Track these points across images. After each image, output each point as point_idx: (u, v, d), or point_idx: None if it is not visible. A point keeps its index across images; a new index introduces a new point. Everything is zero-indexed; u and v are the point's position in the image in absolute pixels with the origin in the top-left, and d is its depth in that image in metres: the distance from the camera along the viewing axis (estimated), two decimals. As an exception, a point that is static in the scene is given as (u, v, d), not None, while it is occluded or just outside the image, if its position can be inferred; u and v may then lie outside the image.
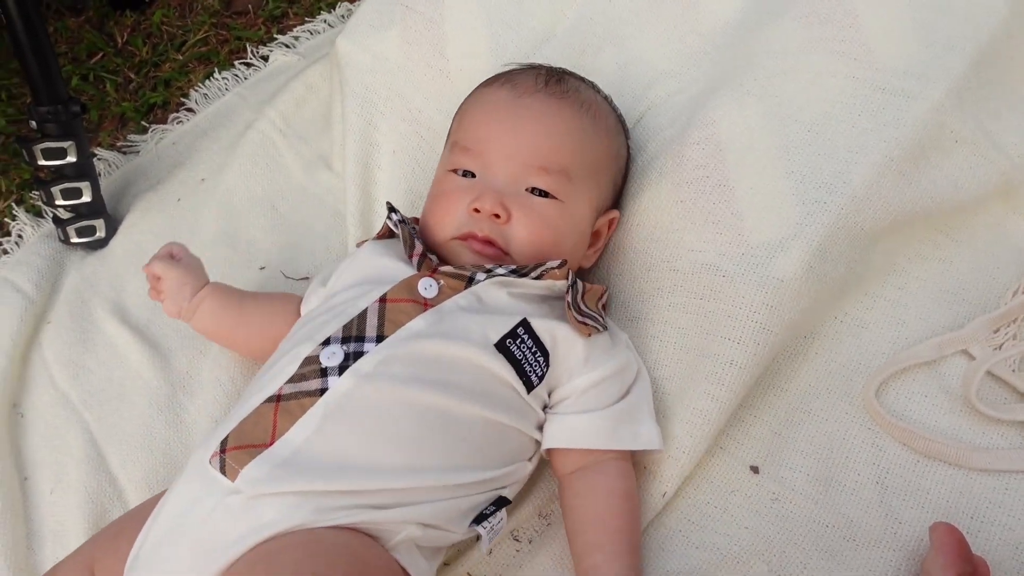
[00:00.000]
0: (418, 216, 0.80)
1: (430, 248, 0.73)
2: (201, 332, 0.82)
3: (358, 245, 0.80)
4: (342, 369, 0.63)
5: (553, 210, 0.72)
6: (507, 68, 0.83)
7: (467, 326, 0.66)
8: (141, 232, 1.00)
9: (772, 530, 0.70)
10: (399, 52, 0.92)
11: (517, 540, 0.72)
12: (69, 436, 0.83)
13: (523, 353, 0.67)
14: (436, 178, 0.79)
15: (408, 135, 0.91)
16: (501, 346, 0.66)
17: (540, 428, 0.69)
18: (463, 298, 0.68)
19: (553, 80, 0.77)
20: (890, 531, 0.69)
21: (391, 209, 0.75)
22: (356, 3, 1.20)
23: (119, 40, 1.25)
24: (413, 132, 0.91)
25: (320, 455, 0.60)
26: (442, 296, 0.68)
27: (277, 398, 0.63)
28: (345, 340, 0.65)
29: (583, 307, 0.70)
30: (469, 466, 0.64)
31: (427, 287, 0.68)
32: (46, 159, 0.94)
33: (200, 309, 0.78)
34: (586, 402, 0.69)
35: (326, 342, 0.65)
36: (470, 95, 0.81)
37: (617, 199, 0.81)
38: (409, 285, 0.68)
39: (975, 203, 0.80)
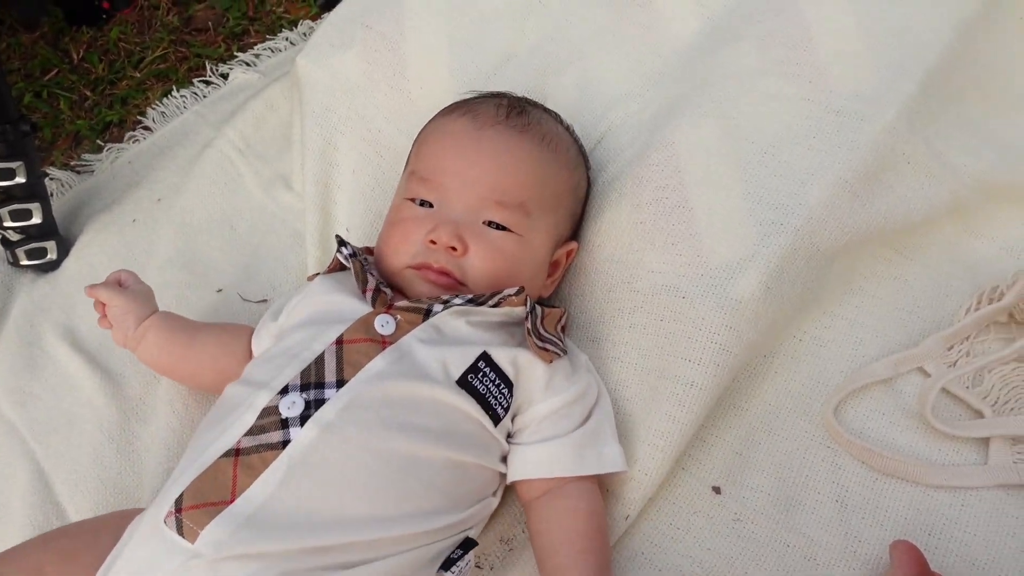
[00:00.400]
0: (371, 246, 0.78)
1: (384, 277, 0.72)
2: (147, 364, 0.80)
3: (309, 279, 0.78)
4: (304, 419, 0.60)
5: (510, 244, 0.71)
6: (469, 95, 0.82)
7: (427, 363, 0.65)
8: (94, 254, 0.97)
9: (734, 551, 0.70)
10: (359, 72, 0.91)
11: (480, 568, 0.71)
12: (15, 466, 0.81)
13: (486, 387, 0.66)
14: (393, 205, 0.77)
15: (368, 155, 0.90)
16: (463, 382, 0.65)
17: (504, 459, 0.68)
18: (422, 332, 0.67)
19: (514, 112, 0.76)
20: (850, 550, 0.69)
21: (341, 243, 0.74)
22: (318, 21, 1.19)
23: (75, 57, 1.23)
24: (373, 152, 0.90)
25: (285, 512, 0.58)
26: (400, 332, 0.66)
27: (236, 452, 0.60)
28: (304, 387, 0.62)
29: (543, 332, 0.69)
30: (438, 511, 0.62)
31: (384, 324, 0.66)
32: (-6, 180, 0.91)
33: (145, 339, 0.76)
34: (548, 429, 0.68)
35: (284, 390, 0.62)
36: (430, 123, 0.80)
37: (576, 230, 0.81)
38: (365, 323, 0.66)
39: (927, 223, 0.82)
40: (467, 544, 0.65)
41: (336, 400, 0.61)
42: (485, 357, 0.66)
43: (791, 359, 0.78)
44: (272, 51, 1.18)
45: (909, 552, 0.63)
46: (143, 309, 0.77)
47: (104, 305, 0.76)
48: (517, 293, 0.69)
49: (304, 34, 1.19)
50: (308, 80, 0.93)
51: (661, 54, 0.90)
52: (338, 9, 0.96)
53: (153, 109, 1.13)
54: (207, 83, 1.15)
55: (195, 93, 1.14)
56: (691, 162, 0.76)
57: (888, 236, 0.80)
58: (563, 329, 0.74)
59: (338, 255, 0.74)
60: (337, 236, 0.75)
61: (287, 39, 1.19)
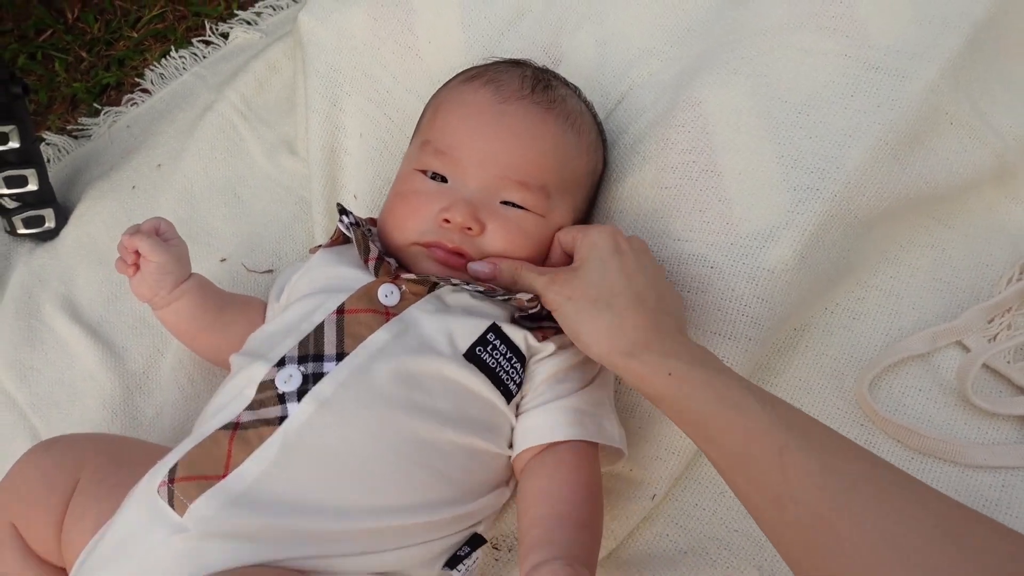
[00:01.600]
0: (374, 217, 0.74)
1: (388, 251, 0.68)
2: (167, 325, 0.74)
3: (312, 251, 0.74)
4: (301, 394, 0.57)
5: (531, 223, 0.66)
6: (490, 62, 0.76)
7: (433, 336, 0.61)
8: (93, 222, 0.93)
9: (762, 533, 0.67)
10: (365, 29, 0.86)
11: (497, 548, 0.69)
12: (15, 442, 0.78)
13: (496, 360, 0.61)
14: (400, 175, 0.71)
15: (376, 117, 0.86)
16: (471, 355, 0.60)
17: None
18: (427, 303, 0.63)
19: (540, 86, 0.71)
20: (884, 532, 0.66)
21: (342, 211, 0.69)
22: (322, -23, 1.13)
23: (69, 16, 1.18)
24: (381, 114, 0.85)
25: (277, 492, 0.54)
26: (404, 303, 0.62)
27: (235, 425, 0.57)
28: (302, 360, 0.59)
29: (544, 324, 0.64)
30: (444, 502, 0.58)
31: (388, 294, 0.62)
32: (-14, 145, 0.88)
33: (177, 303, 0.71)
34: (547, 392, 0.63)
35: (281, 363, 0.59)
36: (447, 89, 0.74)
37: (590, 212, 0.76)
38: (368, 293, 0.62)
39: (969, 188, 0.77)
40: (475, 541, 0.61)
41: (335, 374, 0.57)
42: (495, 329, 0.62)
43: (823, 332, 0.74)
44: (274, 9, 1.12)
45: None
46: (182, 269, 0.71)
47: (138, 255, 0.69)
48: (530, 300, 0.63)
49: (307, -9, 1.13)
50: (311, 38, 0.88)
51: (685, 8, 0.84)
52: (343, -38, 0.91)
53: (151, 71, 1.09)
54: (207, 43, 1.10)
55: (194, 54, 1.09)
56: (720, 123, 0.71)
57: (927, 202, 0.76)
58: None
59: (339, 224, 0.69)
60: (338, 204, 0.70)
61: (289, -4, 1.13)
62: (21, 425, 0.79)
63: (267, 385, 0.58)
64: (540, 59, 0.86)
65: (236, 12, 1.13)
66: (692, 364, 0.54)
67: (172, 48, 1.10)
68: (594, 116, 0.76)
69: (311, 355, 0.59)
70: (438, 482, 0.58)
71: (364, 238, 0.66)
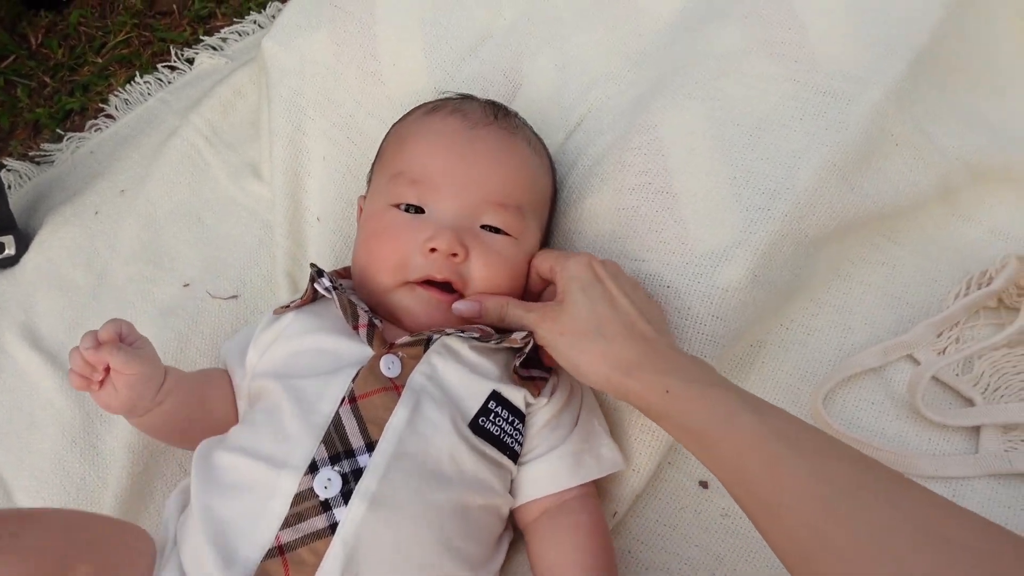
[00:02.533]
0: (340, 268, 0.73)
1: (369, 299, 0.66)
2: (149, 430, 0.67)
3: (276, 312, 0.69)
4: (346, 496, 0.54)
5: (508, 247, 0.67)
6: (443, 96, 0.77)
7: (443, 402, 0.60)
8: (55, 248, 0.93)
9: (722, 547, 0.68)
10: (328, 54, 0.87)
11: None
12: (-28, 472, 0.77)
13: (500, 427, 0.62)
14: (372, 214, 0.69)
15: (339, 141, 0.86)
16: (476, 427, 0.61)
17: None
18: (426, 364, 0.62)
19: (501, 113, 0.73)
20: (840, 543, 0.67)
21: (319, 273, 0.66)
22: (287, 3, 1.15)
23: (33, 42, 1.18)
24: (344, 137, 0.86)
25: None
26: (406, 370, 0.61)
27: (279, 550, 0.53)
28: (334, 460, 0.56)
29: (531, 357, 0.65)
30: (480, 561, 0.59)
31: (390, 366, 0.61)
32: (-56, 172, 0.87)
33: (163, 406, 0.63)
34: (543, 444, 0.65)
35: (312, 467, 0.56)
36: (410, 122, 0.74)
37: (546, 236, 0.77)
38: (372, 372, 0.60)
39: (916, 206, 0.80)
40: None
41: (374, 467, 0.56)
42: (495, 396, 0.62)
43: (779, 348, 0.76)
44: (239, 35, 1.13)
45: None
46: (159, 370, 0.62)
47: (110, 371, 0.60)
48: (523, 339, 0.64)
49: (272, 16, 1.14)
50: (275, 63, 0.89)
51: (642, 34, 0.87)
52: (306, -11, 0.92)
53: (116, 96, 1.09)
54: (172, 68, 1.11)
55: (159, 79, 1.10)
56: (675, 145, 0.73)
57: (877, 221, 0.78)
58: None
59: (316, 287, 0.66)
60: (312, 265, 0.68)
61: (255, 22, 1.14)
62: (-22, 455, 0.78)
63: (304, 496, 0.55)
64: (501, 83, 0.88)
65: (202, 38, 1.14)
66: (687, 380, 0.55)
67: (137, 73, 1.10)
68: (543, 143, 0.78)
69: (341, 452, 0.56)
70: (475, 545, 0.59)
71: (351, 304, 0.64)
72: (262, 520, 0.55)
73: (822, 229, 0.71)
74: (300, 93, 0.87)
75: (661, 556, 0.68)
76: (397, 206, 0.67)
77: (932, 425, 0.72)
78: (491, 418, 0.62)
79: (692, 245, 0.69)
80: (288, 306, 0.69)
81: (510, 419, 0.63)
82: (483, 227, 0.66)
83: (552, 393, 0.66)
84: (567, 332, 0.60)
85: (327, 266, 0.78)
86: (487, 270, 0.65)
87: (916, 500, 0.46)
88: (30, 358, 0.83)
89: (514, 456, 0.63)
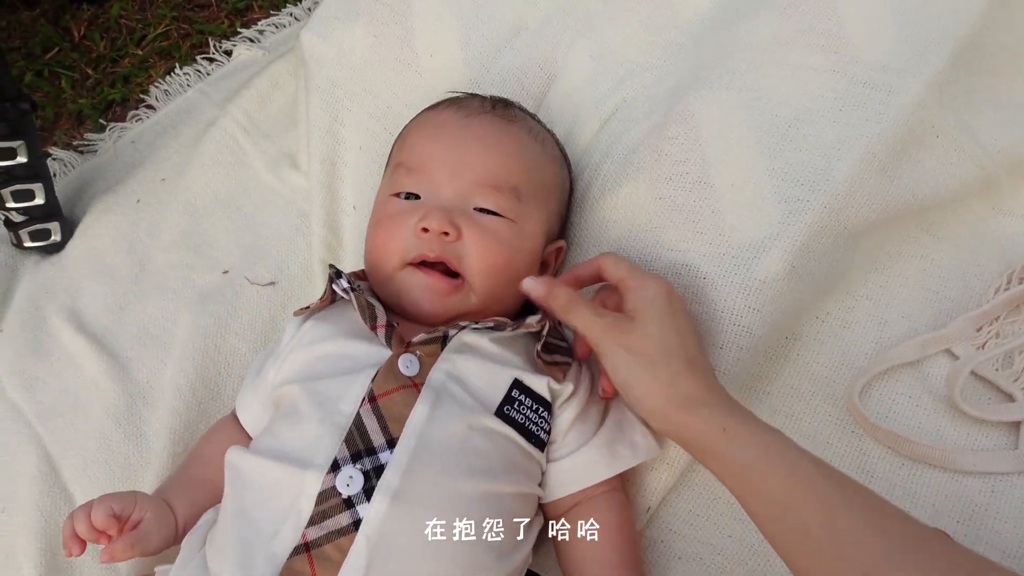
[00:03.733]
0: (358, 270, 0.74)
1: (379, 289, 0.68)
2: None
3: (296, 314, 0.71)
4: (368, 492, 0.55)
5: (505, 228, 0.67)
6: (451, 95, 0.79)
7: (464, 397, 0.61)
8: (99, 235, 0.95)
9: (756, 537, 0.67)
10: (365, 46, 0.88)
11: None
12: (21, 451, 0.79)
13: (524, 415, 0.62)
14: (377, 204, 0.73)
15: (375, 131, 0.87)
16: (501, 414, 0.61)
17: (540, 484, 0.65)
18: (445, 361, 0.63)
19: (500, 105, 0.75)
20: (875, 537, 0.67)
21: (337, 274, 0.68)
22: (323, -5, 1.16)
23: (76, 34, 1.20)
24: (381, 128, 0.87)
25: None
26: (424, 368, 0.61)
27: (305, 547, 0.54)
28: (355, 458, 0.57)
29: (552, 343, 0.66)
30: (510, 548, 0.60)
31: (408, 364, 0.61)
32: (-6, 159, 0.89)
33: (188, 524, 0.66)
34: (574, 439, 0.65)
35: (334, 466, 0.57)
36: (412, 119, 0.78)
37: (563, 229, 0.78)
38: (391, 370, 0.61)
39: (956, 200, 0.79)
40: None
41: (395, 464, 0.56)
42: (518, 385, 0.63)
43: (814, 340, 0.75)
44: (276, 27, 1.15)
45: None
46: (167, 528, 0.64)
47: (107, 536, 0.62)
48: (538, 321, 0.65)
49: (308, 9, 1.16)
50: (313, 55, 0.90)
51: (678, 24, 0.87)
52: (343, -19, 0.93)
53: (156, 87, 1.11)
54: (210, 60, 1.12)
55: (198, 71, 1.12)
56: (712, 136, 0.73)
57: (915, 214, 0.77)
58: (560, 323, 0.71)
59: (334, 287, 0.68)
60: (331, 266, 0.70)
61: (291, 14, 1.16)
62: (26, 434, 0.80)
63: (328, 494, 0.56)
64: (536, 74, 0.88)
65: (239, 30, 1.16)
66: (745, 421, 0.55)
67: (176, 65, 1.12)
68: (555, 138, 0.79)
69: (363, 450, 0.57)
70: (503, 534, 0.59)
71: (369, 305, 0.65)
72: (289, 518, 0.56)
73: (861, 222, 0.71)
74: (337, 84, 0.89)
75: (694, 546, 0.68)
76: (397, 195, 0.69)
77: (970, 420, 0.71)
78: (515, 407, 0.62)
79: (729, 236, 0.69)
80: (308, 307, 0.71)
81: (535, 407, 0.63)
82: (478, 209, 0.67)
83: (577, 381, 0.66)
84: (633, 349, 0.58)
85: (361, 254, 0.80)
86: (481, 249, 0.66)
87: (971, 562, 0.48)
88: (76, 341, 0.85)
89: (540, 444, 0.63)
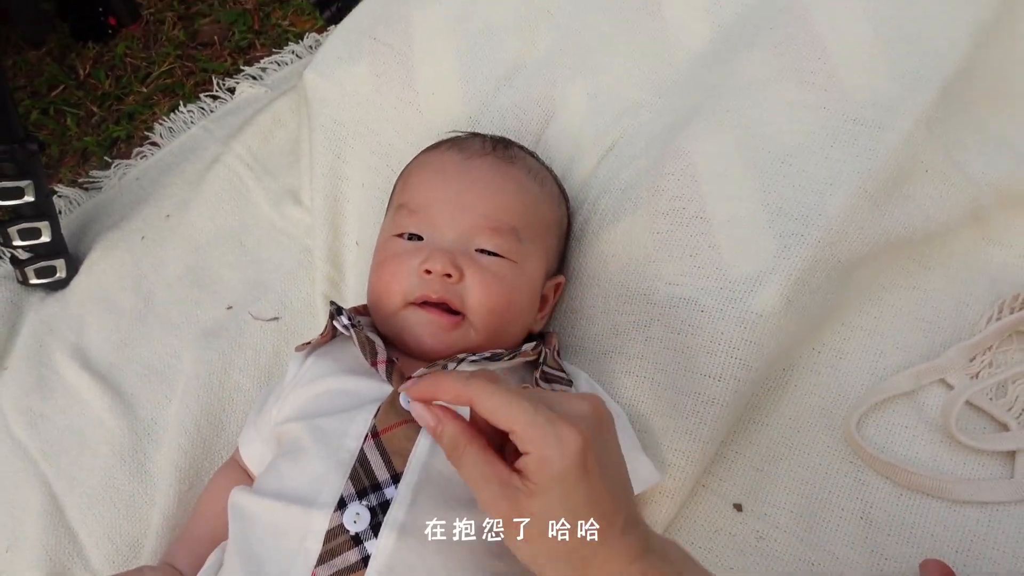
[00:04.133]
0: (358, 305, 0.76)
1: (382, 326, 0.69)
2: None
3: (297, 350, 0.72)
4: (375, 528, 0.56)
5: (506, 269, 0.69)
6: (451, 135, 0.81)
7: None
8: (104, 272, 0.96)
9: (758, 570, 0.69)
10: (368, 85, 0.90)
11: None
12: (26, 489, 0.79)
13: None
14: (379, 244, 0.74)
15: (378, 168, 0.89)
16: None
17: None
18: None
19: (500, 146, 0.77)
20: (876, 567, 0.68)
21: (337, 310, 0.69)
22: (324, 34, 1.18)
23: (81, 72, 1.23)
24: (383, 165, 0.89)
25: None
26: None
27: None
28: (361, 494, 0.57)
29: (549, 371, 0.68)
30: None
31: (408, 400, 0.61)
32: (2, 199, 0.90)
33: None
34: None
35: (340, 504, 0.57)
36: (413, 160, 0.80)
37: (561, 264, 0.80)
38: (392, 406, 0.61)
39: (946, 231, 0.80)
40: None
41: (400, 498, 0.57)
42: None
43: (811, 372, 0.77)
44: (278, 64, 1.17)
45: (940, 570, 0.62)
46: None
47: None
48: (534, 348, 0.66)
49: (310, 47, 1.18)
50: (316, 94, 0.92)
51: (672, 63, 0.89)
52: (345, 22, 0.96)
53: (160, 124, 1.13)
54: (214, 97, 1.14)
55: (202, 108, 1.14)
56: (707, 172, 0.75)
57: (907, 246, 0.79)
58: (558, 353, 0.73)
59: (335, 323, 0.69)
60: (331, 303, 0.71)
61: (293, 52, 1.18)
62: (31, 472, 0.81)
63: (335, 532, 0.56)
64: (534, 111, 0.90)
65: (242, 67, 1.18)
66: (663, 561, 0.48)
67: (180, 102, 1.14)
68: (554, 176, 0.81)
69: (368, 486, 0.57)
70: (513, 565, 0.58)
71: (369, 341, 0.65)
72: (298, 559, 0.56)
73: (854, 254, 0.72)
74: (340, 123, 0.91)
75: (695, 578, 0.69)
76: (400, 236, 0.71)
77: (966, 450, 0.72)
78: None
79: (726, 270, 0.70)
80: (309, 343, 0.72)
81: None
82: (479, 251, 0.69)
83: None
84: (533, 539, 0.46)
85: (363, 289, 0.81)
86: (482, 289, 0.67)
87: None
88: (80, 378, 0.86)
89: None
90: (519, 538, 0.46)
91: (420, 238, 0.70)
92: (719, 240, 0.72)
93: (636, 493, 0.67)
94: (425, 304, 0.67)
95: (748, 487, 0.72)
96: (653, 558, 0.47)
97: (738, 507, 0.72)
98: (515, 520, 0.46)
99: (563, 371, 0.71)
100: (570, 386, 0.69)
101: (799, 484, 0.72)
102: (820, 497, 0.71)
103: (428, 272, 0.67)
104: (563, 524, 0.45)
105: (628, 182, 0.81)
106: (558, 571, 0.46)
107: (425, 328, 0.67)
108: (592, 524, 0.46)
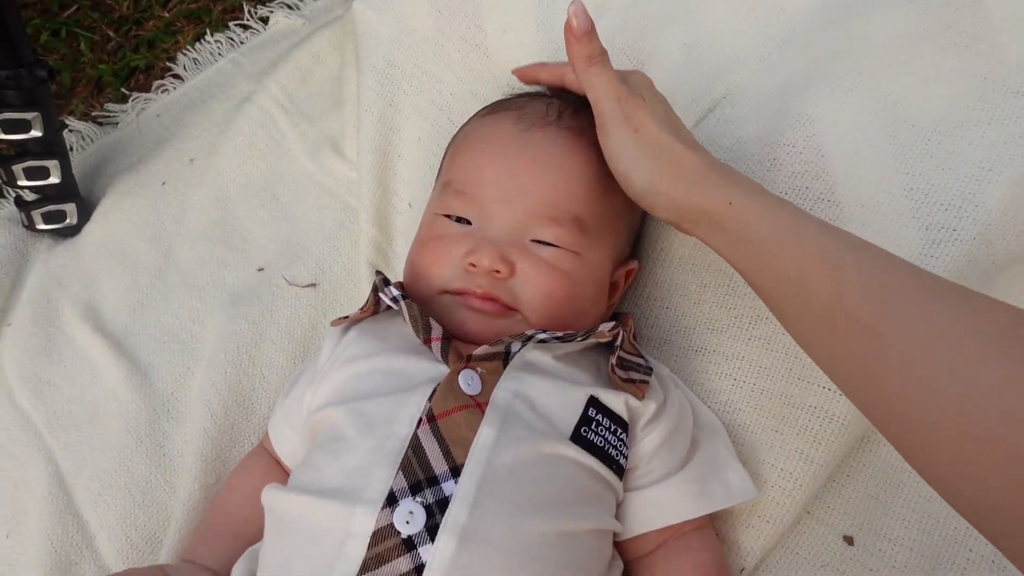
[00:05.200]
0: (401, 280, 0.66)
1: (420, 304, 0.60)
2: None
3: (334, 324, 0.62)
4: (432, 531, 0.47)
5: (566, 260, 0.58)
6: (514, 95, 0.69)
7: (534, 420, 0.53)
8: (119, 221, 0.86)
9: (869, 614, 0.60)
10: (428, 22, 0.78)
11: None
12: (30, 466, 0.71)
13: (603, 438, 0.54)
14: (424, 221, 0.64)
15: (438, 121, 0.77)
16: (578, 438, 0.53)
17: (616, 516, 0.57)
18: (509, 379, 0.54)
19: (568, 111, 0.63)
20: (1009, 622, 0.58)
21: (384, 282, 0.60)
22: (371, -40, 1.05)
23: (96, -9, 1.10)
24: (444, 118, 0.77)
25: None
26: (487, 387, 0.53)
27: None
28: (415, 489, 0.48)
29: (627, 357, 0.58)
30: None
31: (469, 382, 0.53)
32: (6, 132, 0.80)
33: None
34: (659, 468, 0.57)
35: (390, 500, 0.48)
36: (466, 124, 0.68)
37: (635, 247, 0.69)
38: (451, 388, 0.53)
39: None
40: None
41: (463, 494, 0.48)
42: (594, 403, 0.55)
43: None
44: (319, -9, 1.04)
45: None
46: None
47: None
48: (611, 329, 0.57)
49: (354, -25, 1.05)
50: (367, 29, 0.80)
51: (785, 12, 0.76)
52: (403, -55, 0.83)
53: (184, 55, 1.01)
54: (244, 27, 1.02)
55: (231, 38, 1.01)
56: (837, 145, 0.63)
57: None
58: (635, 337, 0.63)
59: (382, 296, 0.60)
60: (378, 272, 0.62)
61: (336, -22, 1.05)
62: (35, 446, 0.72)
63: (383, 533, 0.47)
64: (620, 63, 0.77)
65: (277, -6, 1.05)
66: (750, 193, 0.52)
67: (207, 31, 1.02)
68: None
69: (423, 480, 0.49)
70: (580, 574, 0.51)
71: (422, 315, 0.57)
72: (337, 567, 0.47)
73: (1010, 255, 0.61)
74: (394, 64, 0.78)
75: (796, 619, 0.60)
76: (447, 216, 0.61)
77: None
78: (593, 427, 0.54)
79: (860, 267, 0.59)
80: (347, 317, 0.62)
81: (612, 428, 0.55)
82: (535, 241, 0.59)
83: (661, 401, 0.58)
84: (641, 129, 0.55)
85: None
86: (538, 283, 0.57)
87: (993, 312, 0.41)
88: (92, 342, 0.76)
89: (620, 470, 0.55)
90: (632, 133, 0.55)
91: (468, 222, 0.60)
92: (852, 229, 0.60)
93: (727, 506, 0.59)
94: (466, 295, 0.58)
95: (861, 517, 0.63)
96: (740, 189, 0.53)
97: (849, 540, 0.62)
98: (633, 121, 0.55)
99: (641, 356, 0.61)
100: (649, 374, 0.59)
101: (920, 517, 0.62)
102: (944, 534, 0.62)
103: (473, 266, 0.57)
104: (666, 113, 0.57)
105: (734, 151, 0.68)
106: (660, 165, 0.54)
107: (468, 314, 0.58)
108: (681, 131, 0.57)
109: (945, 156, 0.61)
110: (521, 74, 0.66)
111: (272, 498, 0.55)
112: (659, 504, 0.56)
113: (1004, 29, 0.65)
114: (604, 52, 0.56)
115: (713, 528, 0.60)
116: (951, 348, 0.40)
